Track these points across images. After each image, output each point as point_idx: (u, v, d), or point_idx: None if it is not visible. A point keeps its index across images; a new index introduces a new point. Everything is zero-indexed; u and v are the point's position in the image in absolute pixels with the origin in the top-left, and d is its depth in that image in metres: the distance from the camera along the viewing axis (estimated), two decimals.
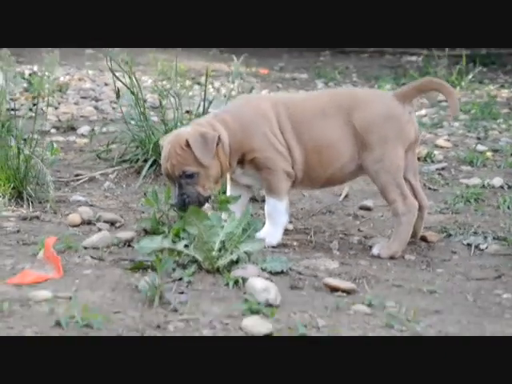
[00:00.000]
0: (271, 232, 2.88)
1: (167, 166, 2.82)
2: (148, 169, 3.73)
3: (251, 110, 2.91)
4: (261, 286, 2.32)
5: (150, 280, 2.33)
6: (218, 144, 2.80)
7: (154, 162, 3.77)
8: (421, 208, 2.90)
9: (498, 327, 2.20)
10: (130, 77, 3.78)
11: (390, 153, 2.82)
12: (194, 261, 2.55)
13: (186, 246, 2.55)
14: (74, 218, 3.10)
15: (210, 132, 2.80)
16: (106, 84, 6.79)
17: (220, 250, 2.55)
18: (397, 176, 2.82)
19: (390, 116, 2.83)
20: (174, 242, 2.57)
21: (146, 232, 2.93)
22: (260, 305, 2.24)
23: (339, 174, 2.90)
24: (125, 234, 2.89)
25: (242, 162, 2.89)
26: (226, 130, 2.86)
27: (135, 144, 3.92)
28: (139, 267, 2.55)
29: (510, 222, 3.23)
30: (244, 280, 2.40)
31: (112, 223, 3.11)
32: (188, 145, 2.77)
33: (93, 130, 4.46)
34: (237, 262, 2.55)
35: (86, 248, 2.76)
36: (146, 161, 3.79)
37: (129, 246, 2.82)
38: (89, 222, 3.10)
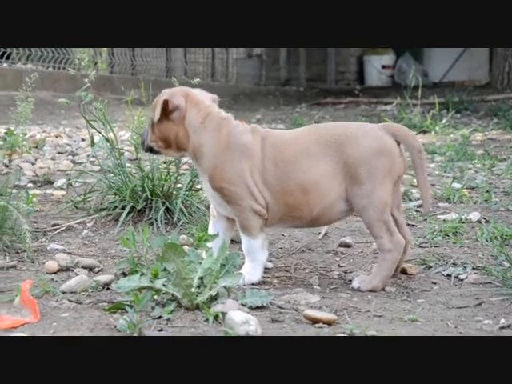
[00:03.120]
0: (250, 270, 2.86)
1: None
2: (126, 215, 3.71)
3: (243, 140, 2.87)
4: (240, 319, 2.30)
5: (128, 318, 2.31)
6: (172, 110, 2.87)
7: (132, 208, 3.75)
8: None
9: None
10: (103, 123, 3.79)
11: (379, 188, 2.78)
12: (173, 299, 2.53)
13: (164, 284, 2.53)
14: (52, 264, 3.07)
15: (175, 97, 2.87)
16: (83, 139, 6.79)
17: (199, 286, 2.53)
18: (384, 212, 2.79)
19: (382, 151, 2.79)
20: (152, 280, 2.54)
21: (125, 275, 2.91)
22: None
23: (327, 212, 2.85)
24: (103, 278, 2.87)
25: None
26: (214, 132, 2.88)
27: (112, 192, 3.91)
28: (118, 307, 2.52)
29: (488, 253, 3.23)
30: (223, 314, 2.38)
31: (90, 269, 3.09)
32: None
33: (69, 179, 4.44)
34: (216, 297, 2.53)
35: (63, 292, 2.73)
36: (123, 208, 3.78)
37: (107, 289, 2.80)
38: (66, 269, 3.07)
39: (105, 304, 2.60)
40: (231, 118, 2.96)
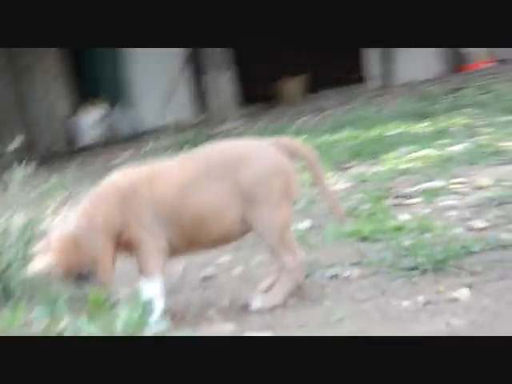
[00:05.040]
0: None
1: (65, 267, 2.74)
2: None
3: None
4: None
5: None
6: None
7: None
8: None
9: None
10: None
11: (277, 209, 2.75)
12: None
13: None
14: None
15: None
16: None
17: None
18: (285, 232, 2.78)
19: (276, 170, 2.76)
20: None
21: None
22: None
23: (228, 235, 2.83)
24: None
25: None
26: None
27: None
28: None
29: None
30: None
31: None
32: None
33: None
34: None
35: None
36: None
37: None
38: None
39: None
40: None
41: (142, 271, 2.78)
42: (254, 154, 2.80)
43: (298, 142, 2.93)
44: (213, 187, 2.75)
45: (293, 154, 2.84)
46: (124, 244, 2.77)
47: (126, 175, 2.85)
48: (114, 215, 2.73)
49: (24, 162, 4.12)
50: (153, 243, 2.76)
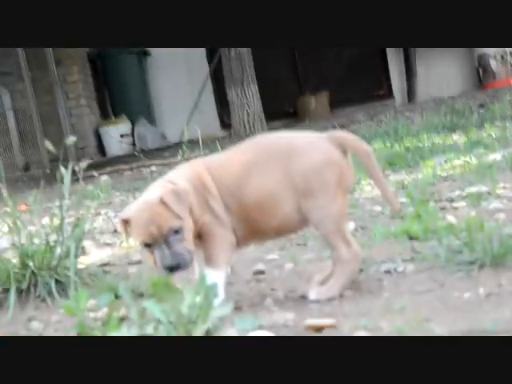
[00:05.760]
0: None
1: (151, 229, 2.68)
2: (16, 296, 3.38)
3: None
4: None
5: None
6: None
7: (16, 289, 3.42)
8: None
9: None
10: None
11: (332, 200, 2.79)
12: None
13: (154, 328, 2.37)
14: None
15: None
16: None
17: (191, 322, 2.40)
18: (341, 223, 2.82)
19: (329, 163, 2.80)
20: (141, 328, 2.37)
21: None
22: None
23: (286, 223, 2.87)
24: None
25: None
26: None
27: None
28: None
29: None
30: None
31: None
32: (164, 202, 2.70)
33: None
34: (209, 330, 2.41)
35: None
36: (6, 291, 3.44)
37: None
38: None
39: None
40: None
41: (209, 261, 2.83)
42: (307, 146, 2.85)
43: (351, 136, 2.94)
44: (270, 175, 2.82)
45: (346, 148, 2.87)
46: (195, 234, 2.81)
47: (192, 167, 2.91)
48: (191, 197, 2.78)
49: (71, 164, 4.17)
50: (224, 235, 2.83)
